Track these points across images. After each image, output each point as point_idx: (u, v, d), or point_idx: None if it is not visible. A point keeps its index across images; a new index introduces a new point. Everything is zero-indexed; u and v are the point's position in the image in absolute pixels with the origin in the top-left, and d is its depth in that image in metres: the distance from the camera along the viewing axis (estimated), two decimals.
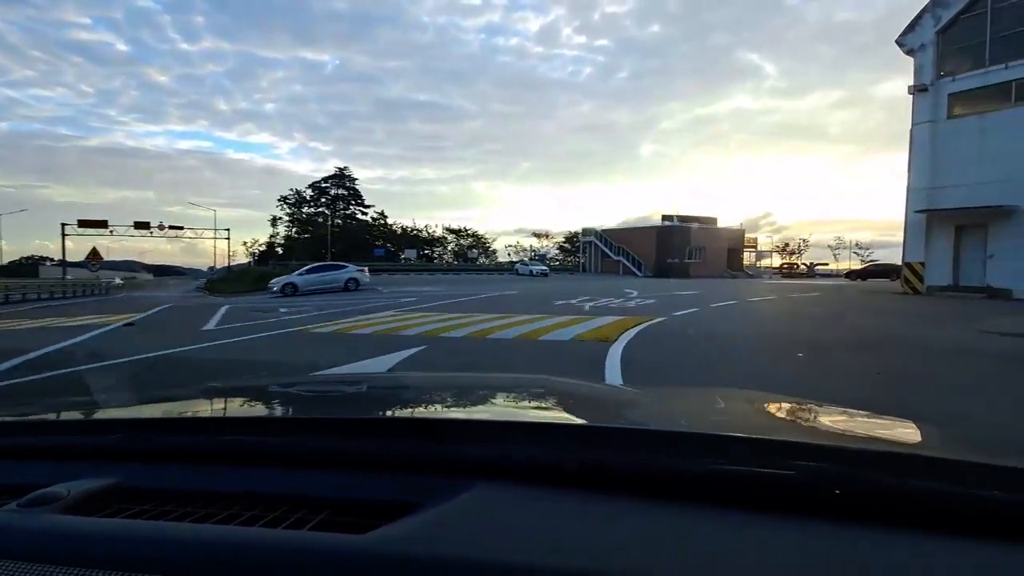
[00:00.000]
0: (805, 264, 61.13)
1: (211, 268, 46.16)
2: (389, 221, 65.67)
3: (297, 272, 21.94)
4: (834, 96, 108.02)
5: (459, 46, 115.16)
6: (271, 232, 63.50)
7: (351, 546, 0.49)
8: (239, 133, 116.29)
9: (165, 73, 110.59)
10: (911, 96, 18.22)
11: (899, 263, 42.64)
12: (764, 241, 59.68)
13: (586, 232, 54.55)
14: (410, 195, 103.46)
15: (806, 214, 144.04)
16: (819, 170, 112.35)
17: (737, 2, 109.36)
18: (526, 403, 1.15)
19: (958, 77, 17.28)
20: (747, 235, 54.66)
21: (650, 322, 9.39)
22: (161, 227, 47.39)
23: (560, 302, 14.14)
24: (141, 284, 50.55)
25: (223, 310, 14.16)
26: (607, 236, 51.34)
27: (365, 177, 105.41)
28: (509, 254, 64.87)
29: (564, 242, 65.73)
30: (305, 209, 64.84)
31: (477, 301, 15.35)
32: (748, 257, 54.98)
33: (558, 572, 0.45)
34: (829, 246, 68.87)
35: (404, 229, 65.25)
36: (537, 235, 67.61)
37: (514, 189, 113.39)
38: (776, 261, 62.46)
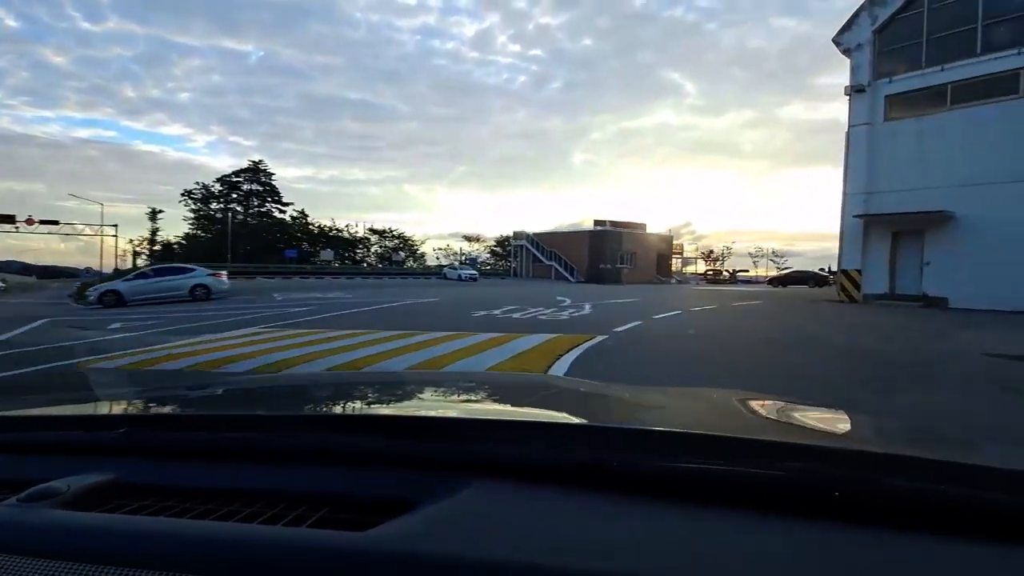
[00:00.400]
0: (728, 271, 62.79)
1: (88, 270, 39.57)
2: (313, 221, 60.40)
3: (124, 278, 17.65)
4: (746, 116, 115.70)
5: (393, 46, 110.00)
6: (151, 227, 55.14)
7: (351, 543, 0.49)
8: (149, 123, 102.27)
9: (62, 54, 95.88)
10: (848, 97, 17.61)
11: (814, 270, 44.63)
12: (689, 248, 60.68)
13: (517, 236, 52.82)
14: (340, 196, 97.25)
15: (722, 224, 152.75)
16: (734, 183, 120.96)
17: (662, 23, 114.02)
18: (526, 402, 1.12)
19: (895, 78, 16.79)
20: (674, 242, 55.15)
21: (588, 343, 7.33)
22: (30, 221, 40.66)
23: (481, 313, 11.90)
24: (11, 288, 43.20)
25: (32, 325, 10.72)
26: (539, 240, 49.87)
27: (292, 176, 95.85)
28: (438, 257, 61.64)
29: (496, 246, 63.56)
30: (214, 205, 58.51)
31: (384, 311, 12.82)
32: (675, 263, 55.51)
33: (557, 571, 0.45)
34: (749, 254, 71.40)
35: (322, 228, 60.01)
36: (468, 238, 64.86)
37: (449, 193, 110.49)
38: (701, 267, 63.76)
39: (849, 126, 17.66)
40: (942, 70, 15.78)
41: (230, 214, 52.09)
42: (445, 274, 42.59)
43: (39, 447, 0.79)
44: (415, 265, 58.40)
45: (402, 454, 0.66)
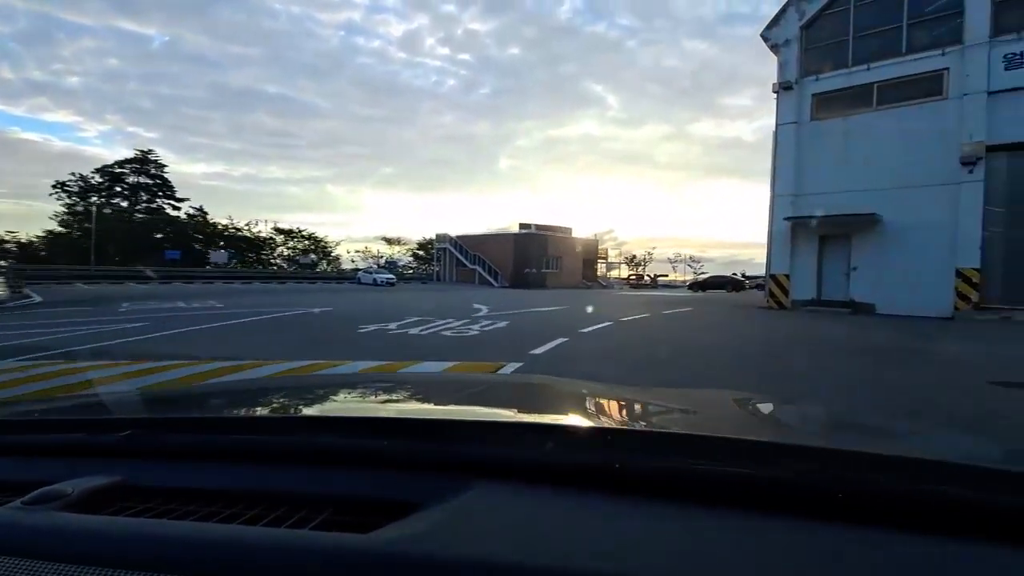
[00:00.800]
0: (650, 276, 63.84)
1: None
2: (215, 220, 53.63)
3: None
4: (662, 130, 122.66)
5: (315, 40, 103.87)
6: None
7: (354, 545, 0.49)
8: (30, 108, 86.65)
9: None
10: (775, 94, 16.96)
11: (730, 275, 45.66)
12: (613, 253, 60.79)
13: (440, 238, 50.25)
14: (255, 195, 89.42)
15: (642, 231, 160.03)
16: (652, 192, 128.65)
17: (585, 37, 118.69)
18: (528, 403, 1.12)
19: (822, 76, 16.29)
20: (599, 247, 54.88)
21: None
22: None
23: (372, 328, 9.55)
24: None
25: None
26: (462, 243, 47.65)
27: (200, 172, 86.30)
28: (354, 260, 57.15)
29: (419, 249, 60.37)
30: (94, 199, 50.85)
31: (248, 327, 10.11)
32: (600, 268, 55.32)
33: (559, 572, 0.45)
34: (669, 259, 73.22)
35: (215, 227, 52.98)
36: (388, 240, 61.06)
37: (375, 194, 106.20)
38: (624, 272, 64.30)
39: (777, 124, 17.00)
40: (868, 69, 15.37)
41: (95, 209, 44.67)
42: (359, 278, 39.29)
43: (44, 449, 0.78)
44: (329, 268, 54.11)
45: (405, 456, 0.66)
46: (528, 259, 43.46)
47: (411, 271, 58.51)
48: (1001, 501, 0.51)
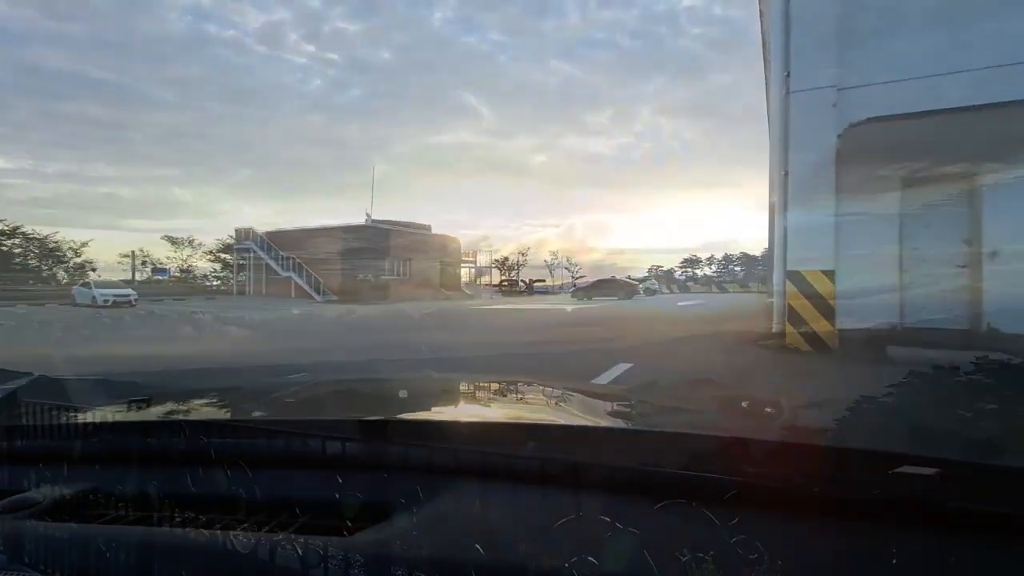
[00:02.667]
0: (524, 281, 55.22)
1: None
2: None
3: None
4: (533, 142, 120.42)
5: (157, 23, 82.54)
6: None
7: (334, 548, 0.49)
8: None
9: None
10: None
11: (621, 279, 37.61)
12: (483, 258, 51.03)
13: (242, 236, 36.28)
14: (76, 195, 67.37)
15: (518, 238, 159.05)
16: (526, 201, 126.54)
17: (456, 47, 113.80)
18: (508, 404, 1.12)
19: None
20: (467, 249, 44.67)
21: None
22: None
23: None
24: None
25: None
26: (273, 243, 34.37)
27: None
28: (95, 271, 38.70)
29: (222, 251, 44.80)
30: None
31: None
32: (468, 273, 45.21)
33: (534, 571, 0.46)
34: (545, 262, 65.31)
35: None
36: (174, 241, 44.57)
37: (232, 199, 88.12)
38: (496, 278, 54.81)
39: None
40: None
41: None
42: (74, 297, 24.53)
43: (15, 456, 0.76)
44: (65, 278, 36.96)
45: (381, 458, 0.65)
46: (364, 263, 31.78)
47: (218, 281, 43.29)
48: (1002, 500, 0.50)
